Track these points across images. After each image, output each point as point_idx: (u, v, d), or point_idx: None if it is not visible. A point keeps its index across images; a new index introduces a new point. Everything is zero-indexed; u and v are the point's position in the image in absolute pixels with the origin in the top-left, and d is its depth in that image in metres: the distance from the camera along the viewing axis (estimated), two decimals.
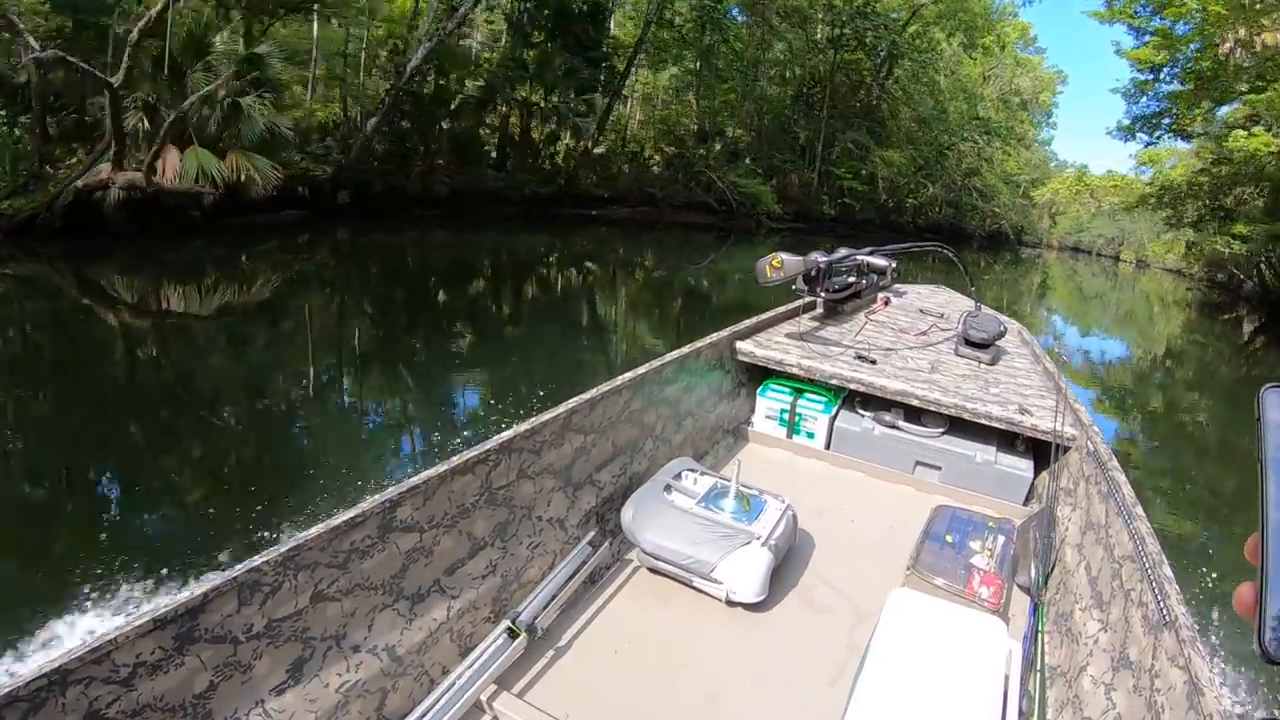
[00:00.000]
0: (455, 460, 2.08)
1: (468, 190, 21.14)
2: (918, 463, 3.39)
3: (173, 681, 1.42)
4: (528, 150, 24.83)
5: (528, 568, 2.32)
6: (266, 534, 3.76)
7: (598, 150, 27.25)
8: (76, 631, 2.99)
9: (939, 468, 3.35)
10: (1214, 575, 4.31)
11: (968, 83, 43.80)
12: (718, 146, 31.39)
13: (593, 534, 2.52)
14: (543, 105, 23.63)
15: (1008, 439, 3.36)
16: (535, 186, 23.36)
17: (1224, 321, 22.22)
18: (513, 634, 2.03)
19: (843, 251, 4.43)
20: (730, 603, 2.36)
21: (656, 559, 2.45)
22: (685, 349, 3.33)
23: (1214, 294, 30.56)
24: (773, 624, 2.34)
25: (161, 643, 1.40)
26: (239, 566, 1.54)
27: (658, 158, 30.43)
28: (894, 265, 5.19)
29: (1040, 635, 2.13)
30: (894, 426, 3.47)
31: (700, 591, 2.41)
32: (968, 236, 45.24)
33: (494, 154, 24.33)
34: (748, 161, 32.13)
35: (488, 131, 24.57)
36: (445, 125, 21.73)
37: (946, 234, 41.22)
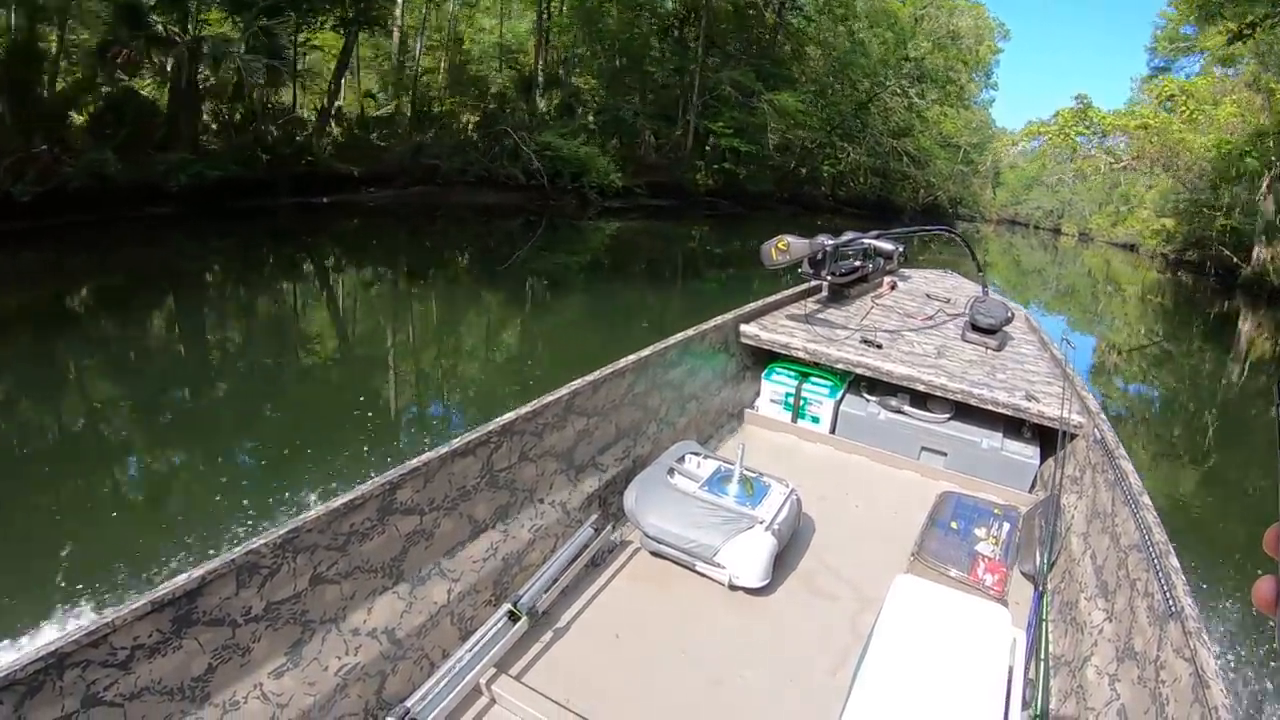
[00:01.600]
0: (456, 442, 2.06)
1: (120, 181, 13.15)
2: (923, 448, 3.37)
3: (171, 664, 1.42)
4: (224, 118, 16.87)
5: (529, 551, 2.31)
6: None
7: (380, 113, 20.46)
8: None
9: (944, 454, 3.33)
10: (1221, 566, 4.31)
11: (895, 12, 36.73)
12: (555, 99, 23.94)
13: (595, 517, 2.50)
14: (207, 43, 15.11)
15: (1014, 425, 3.34)
16: (217, 169, 14.91)
17: (1215, 316, 19.63)
18: (513, 617, 2.01)
19: (849, 235, 4.39)
20: (733, 587, 2.35)
21: (659, 543, 2.43)
22: (690, 331, 3.31)
23: (1190, 278, 27.50)
24: (775, 609, 2.32)
25: (159, 625, 1.40)
26: (237, 549, 1.53)
27: (475, 120, 22.73)
28: (900, 249, 5.14)
29: (1045, 624, 2.12)
30: (899, 411, 3.45)
31: (703, 576, 2.40)
32: (897, 210, 41.55)
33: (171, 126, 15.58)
34: (587, 118, 24.50)
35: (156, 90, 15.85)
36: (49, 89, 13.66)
37: (873, 208, 38.87)
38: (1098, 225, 48.02)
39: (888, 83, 35.40)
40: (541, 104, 23.75)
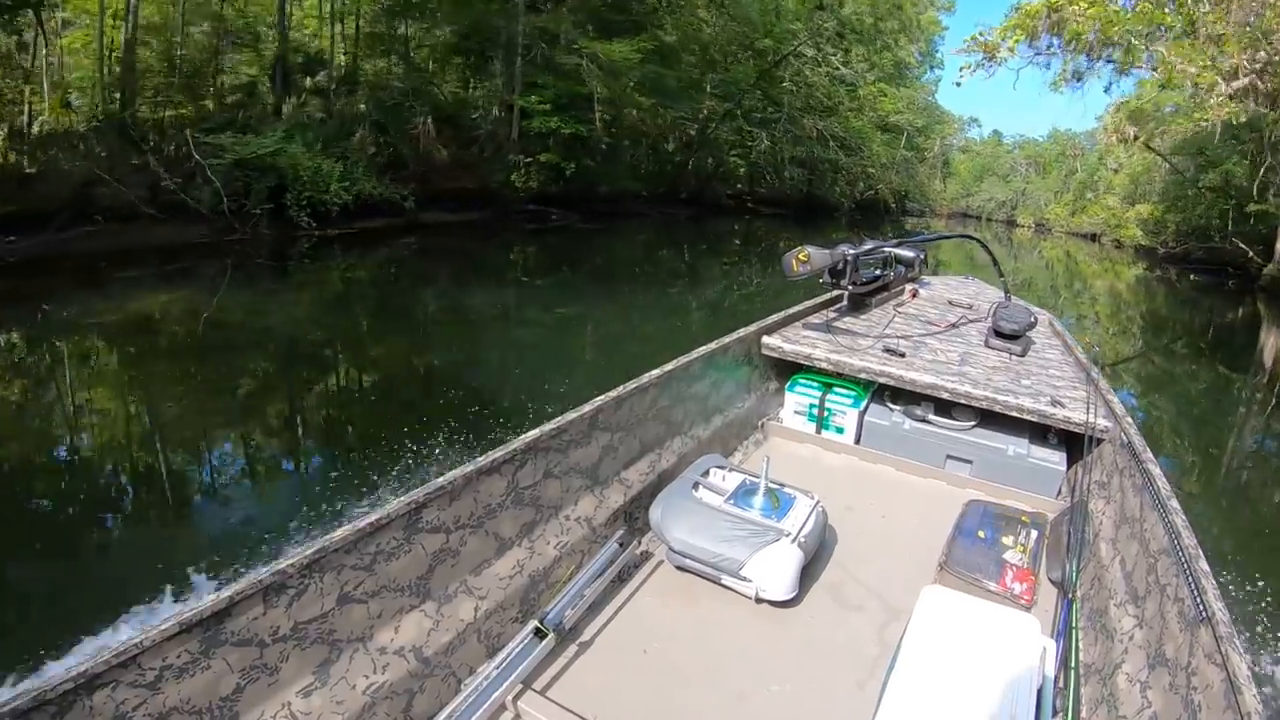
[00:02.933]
0: (481, 460, 2.08)
1: None
2: (949, 456, 3.36)
3: (199, 685, 1.44)
4: None
5: (555, 567, 2.32)
6: None
7: (76, 125, 13.14)
8: None
9: (970, 461, 3.32)
10: (1252, 570, 4.24)
11: None
12: (309, 86, 17.30)
13: (620, 533, 2.51)
14: None
15: (1040, 431, 3.33)
16: None
17: (1226, 325, 16.05)
18: (540, 634, 2.02)
19: (870, 243, 4.38)
20: (759, 601, 2.34)
21: (685, 557, 2.43)
22: (712, 345, 3.31)
23: (1180, 275, 23.37)
24: (802, 622, 2.32)
25: (188, 646, 1.42)
26: (264, 569, 1.56)
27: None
28: (921, 256, 5.12)
29: (1074, 632, 2.11)
30: (924, 420, 3.44)
31: (729, 589, 2.40)
32: (830, 208, 37.62)
33: None
34: (338, 105, 16.94)
35: None
36: None
37: (799, 208, 34.79)
38: (1055, 215, 45.69)
39: (795, 41, 28.47)
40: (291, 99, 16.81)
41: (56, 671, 1.28)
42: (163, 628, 1.36)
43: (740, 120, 29.59)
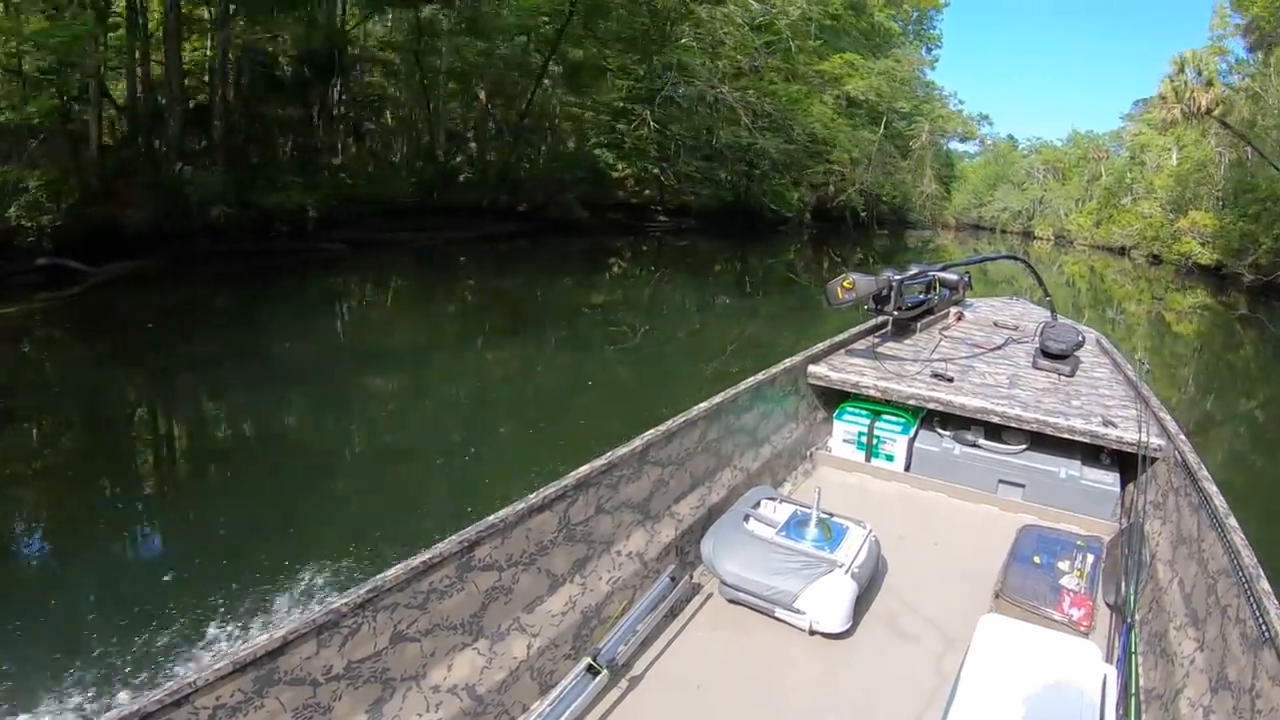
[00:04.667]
0: (533, 498, 2.10)
1: None
2: (1000, 481, 3.34)
3: None
4: None
5: (607, 603, 2.32)
6: None
7: None
8: None
9: (1022, 485, 3.29)
10: None
11: None
12: None
13: (672, 567, 2.50)
14: None
15: (1092, 452, 3.30)
16: None
17: None
18: (593, 670, 2.01)
19: (915, 268, 4.38)
20: (813, 633, 2.34)
21: (738, 590, 2.43)
22: (760, 375, 3.32)
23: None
24: (858, 654, 2.30)
25: (241, 685, 1.43)
26: (318, 609, 1.57)
27: None
28: (965, 279, 5.09)
29: (1134, 657, 2.08)
30: (975, 445, 3.42)
31: (782, 622, 2.39)
32: (773, 221, 29.96)
33: None
34: None
35: None
36: None
37: (721, 222, 27.87)
38: (1077, 226, 41.81)
39: None
40: None
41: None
42: (216, 667, 1.37)
43: (615, 91, 22.75)
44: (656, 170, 26.79)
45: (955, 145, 56.25)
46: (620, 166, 26.76)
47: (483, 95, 22.22)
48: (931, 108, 44.68)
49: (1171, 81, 19.81)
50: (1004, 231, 49.91)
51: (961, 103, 53.59)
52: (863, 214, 35.81)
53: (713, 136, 26.58)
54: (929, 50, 47.60)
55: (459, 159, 23.06)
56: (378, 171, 20.64)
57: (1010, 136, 58.78)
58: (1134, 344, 12.67)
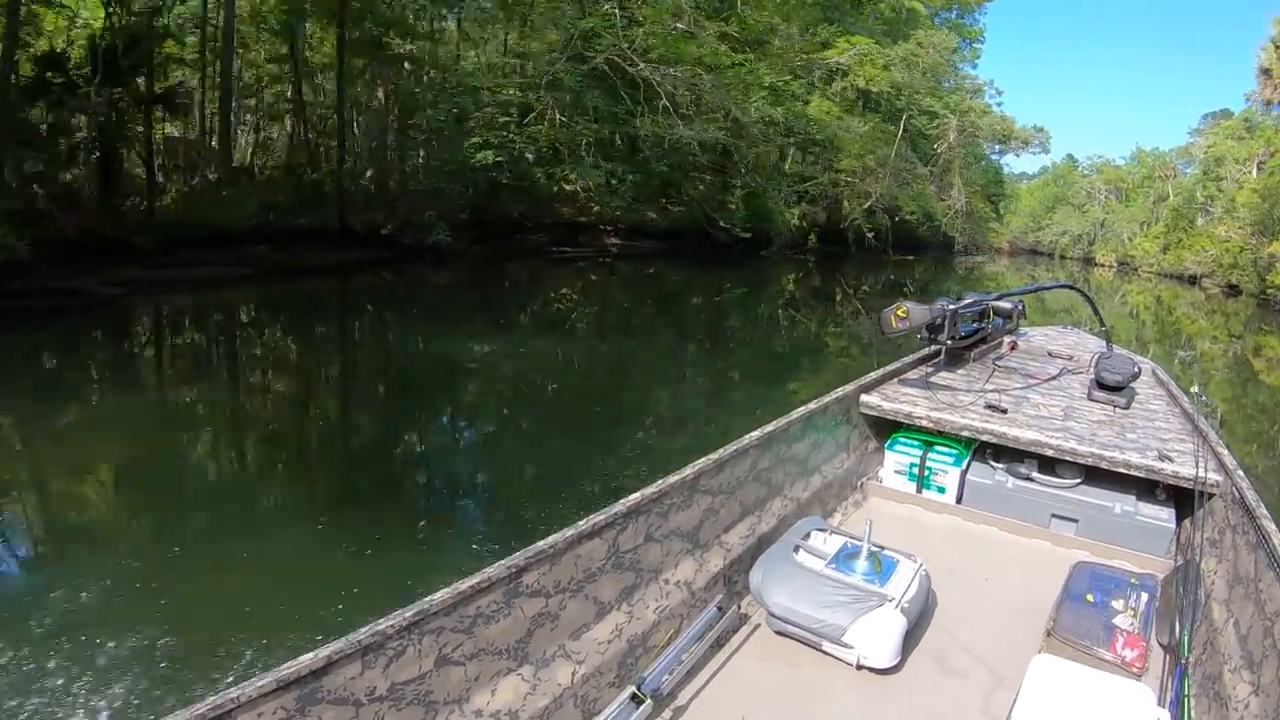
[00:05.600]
0: (583, 525, 2.11)
1: None
2: (1053, 515, 3.30)
3: None
4: None
5: (654, 632, 2.32)
6: None
7: None
8: None
9: (1076, 520, 3.26)
10: None
11: None
12: None
13: (720, 597, 2.52)
14: None
15: (1147, 487, 3.25)
16: None
17: None
18: (637, 700, 2.01)
19: (970, 297, 4.36)
20: (860, 668, 2.33)
21: (785, 622, 2.44)
22: (812, 405, 3.33)
23: None
24: (906, 690, 2.29)
25: (284, 704, 1.42)
26: (363, 629, 1.58)
27: None
28: (1020, 307, 5.03)
29: (1187, 700, 2.04)
30: (1028, 478, 3.39)
31: (829, 656, 2.39)
32: (732, 246, 24.40)
33: None
34: None
35: None
36: None
37: (711, 252, 23.53)
38: (1142, 251, 38.80)
39: None
40: None
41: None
42: (260, 684, 1.38)
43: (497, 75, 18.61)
44: (560, 179, 21.70)
45: (1006, 160, 51.96)
46: (571, 178, 22.05)
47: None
48: (959, 99, 37.85)
49: (1276, 46, 15.89)
50: (1063, 257, 46.95)
51: (1000, 93, 48.84)
52: (870, 235, 29.76)
53: (632, 129, 20.76)
54: (968, 44, 42.85)
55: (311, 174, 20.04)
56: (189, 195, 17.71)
57: (1070, 156, 55.34)
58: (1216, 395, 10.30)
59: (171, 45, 18.58)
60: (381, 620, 1.62)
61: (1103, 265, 42.66)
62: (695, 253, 24.70)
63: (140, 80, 16.82)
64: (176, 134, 20.09)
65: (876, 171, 29.67)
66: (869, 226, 29.77)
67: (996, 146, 46.58)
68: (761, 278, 23.64)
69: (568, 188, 22.72)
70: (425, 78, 21.31)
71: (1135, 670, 2.30)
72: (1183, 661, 2.21)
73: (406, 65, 21.28)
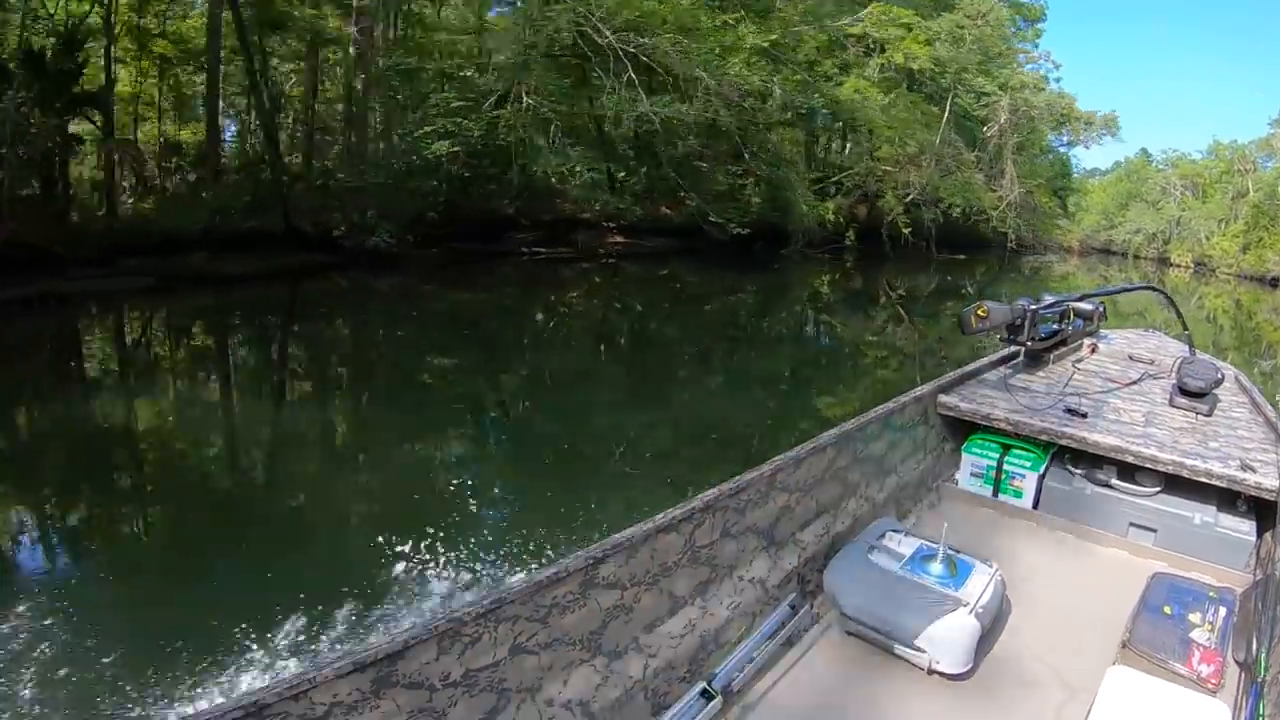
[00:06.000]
0: (660, 518, 2.12)
1: None
2: (1131, 524, 3.26)
3: None
4: None
5: (726, 628, 2.33)
6: None
7: None
8: None
9: (1154, 530, 3.21)
10: None
11: None
12: None
13: (793, 595, 2.54)
14: None
15: (1228, 498, 3.19)
16: None
17: None
18: (707, 696, 2.04)
19: (1050, 298, 4.31)
20: (931, 672, 2.33)
21: (857, 623, 2.45)
22: (890, 404, 3.32)
23: None
24: (977, 697, 2.29)
25: (359, 685, 1.45)
26: (440, 616, 1.61)
27: None
28: (1100, 309, 4.96)
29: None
30: (1107, 485, 3.35)
31: (901, 659, 2.40)
32: (804, 248, 23.20)
33: None
34: None
35: None
36: None
37: (730, 253, 20.94)
38: (1221, 251, 35.82)
39: None
40: None
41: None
42: (337, 665, 1.41)
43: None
44: (540, 170, 19.02)
45: (1075, 153, 48.89)
46: (556, 170, 19.35)
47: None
48: (1009, 74, 33.49)
49: None
50: (1136, 257, 43.37)
51: (1057, 66, 44.63)
52: (906, 231, 26.45)
53: (596, 109, 18.26)
54: (1029, 24, 38.80)
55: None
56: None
57: (1144, 150, 51.30)
58: None
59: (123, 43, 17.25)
60: (459, 608, 1.65)
61: (1178, 266, 39.17)
62: (711, 252, 22.03)
63: (78, 82, 15.45)
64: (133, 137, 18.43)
65: (918, 159, 27.02)
66: (905, 222, 26.52)
67: (1063, 138, 43.91)
68: (790, 281, 21.63)
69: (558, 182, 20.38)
70: (376, 63, 19.02)
71: (1210, 687, 2.28)
72: (1259, 680, 2.18)
73: (352, 50, 19.16)
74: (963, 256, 30.52)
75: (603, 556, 1.94)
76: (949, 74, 28.32)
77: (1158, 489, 3.27)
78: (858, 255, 26.36)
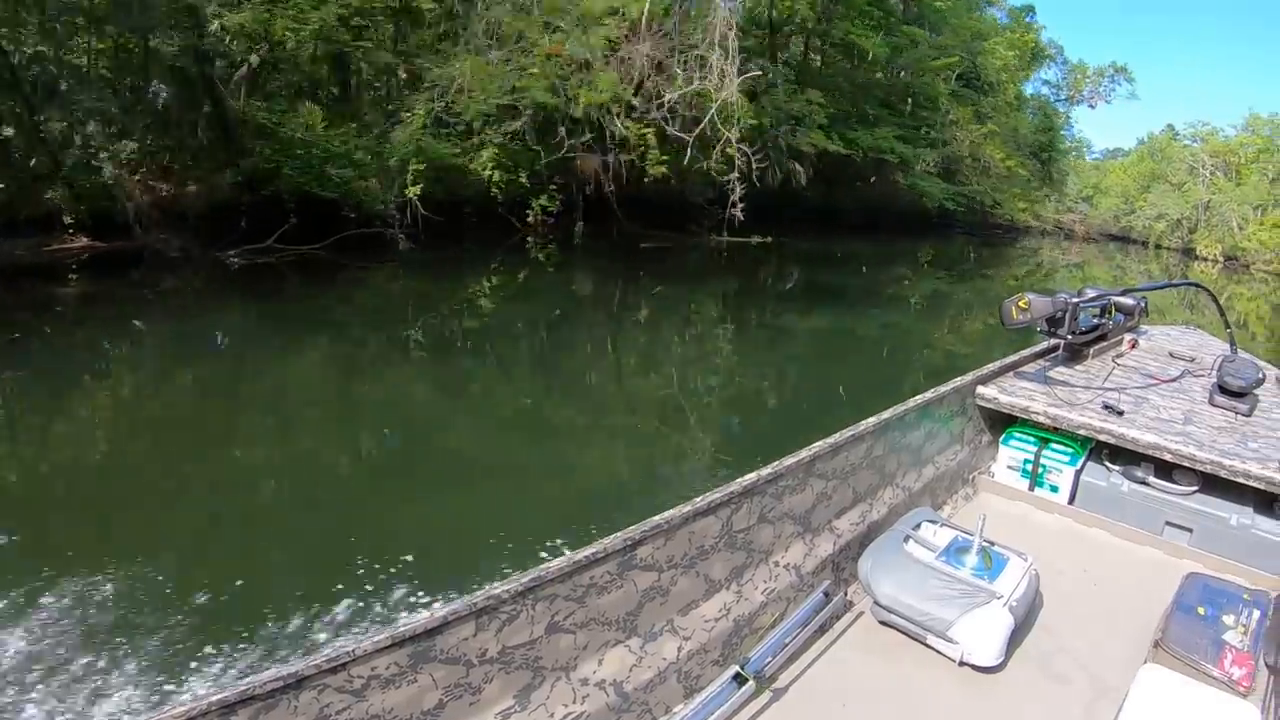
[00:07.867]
0: (699, 501, 2.15)
1: None
2: (1167, 523, 3.25)
3: (403, 696, 1.52)
4: None
5: (760, 613, 2.36)
6: None
7: None
8: None
9: (1190, 530, 3.20)
10: None
11: None
12: None
13: (827, 583, 2.54)
14: None
15: (1266, 500, 3.16)
16: None
17: None
18: (739, 680, 2.05)
19: (1092, 291, 4.25)
20: (963, 664, 2.36)
21: (891, 612, 2.47)
22: (929, 394, 3.32)
23: None
24: (1008, 691, 2.31)
25: (397, 659, 1.49)
26: (479, 593, 1.64)
27: None
28: (1142, 304, 4.91)
29: None
30: (1144, 483, 3.34)
31: (933, 650, 2.42)
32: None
33: None
34: None
35: None
36: None
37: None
38: (1258, 243, 30.53)
39: None
40: None
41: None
42: (376, 639, 1.45)
43: None
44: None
45: (1076, 113, 43.97)
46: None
47: None
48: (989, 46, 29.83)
49: None
50: (1158, 246, 36.52)
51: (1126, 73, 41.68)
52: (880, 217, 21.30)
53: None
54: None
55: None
56: None
57: (1170, 126, 44.54)
58: None
59: None
60: (498, 585, 1.67)
61: (1205, 259, 32.99)
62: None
63: None
64: None
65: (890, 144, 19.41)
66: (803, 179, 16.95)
67: (1060, 93, 40.25)
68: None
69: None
70: None
71: (1242, 689, 2.27)
72: None
73: None
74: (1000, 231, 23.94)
75: (640, 538, 1.97)
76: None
77: (1195, 488, 3.25)
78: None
